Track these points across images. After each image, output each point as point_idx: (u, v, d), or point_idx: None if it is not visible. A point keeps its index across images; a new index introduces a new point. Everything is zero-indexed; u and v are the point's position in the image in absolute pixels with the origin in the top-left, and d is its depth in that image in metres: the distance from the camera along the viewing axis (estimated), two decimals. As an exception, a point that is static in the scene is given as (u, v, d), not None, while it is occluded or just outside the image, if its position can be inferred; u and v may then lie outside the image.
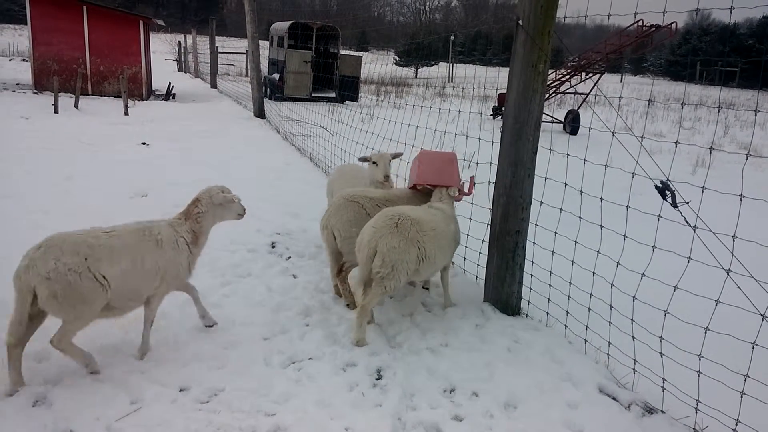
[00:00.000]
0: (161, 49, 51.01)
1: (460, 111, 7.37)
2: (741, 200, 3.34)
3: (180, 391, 3.63)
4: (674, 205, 3.58)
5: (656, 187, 3.64)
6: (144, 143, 11.94)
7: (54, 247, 3.43)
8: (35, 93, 18.40)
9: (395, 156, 5.61)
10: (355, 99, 22.65)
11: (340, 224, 4.83)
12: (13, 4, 65.67)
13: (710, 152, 4.38)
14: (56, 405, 3.40)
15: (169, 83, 22.10)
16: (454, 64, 49.03)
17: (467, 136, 6.39)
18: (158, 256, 3.85)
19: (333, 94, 22.51)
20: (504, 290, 4.88)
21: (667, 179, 3.65)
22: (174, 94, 21.26)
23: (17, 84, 20.61)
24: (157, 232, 3.92)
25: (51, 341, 3.53)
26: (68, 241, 3.49)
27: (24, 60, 32.53)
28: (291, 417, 3.42)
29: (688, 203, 3.52)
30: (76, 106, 15.95)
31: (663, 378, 3.74)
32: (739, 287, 3.32)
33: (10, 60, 33.88)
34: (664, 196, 3.62)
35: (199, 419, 3.36)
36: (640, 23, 15.44)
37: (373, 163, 5.48)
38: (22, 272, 3.38)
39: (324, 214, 5.05)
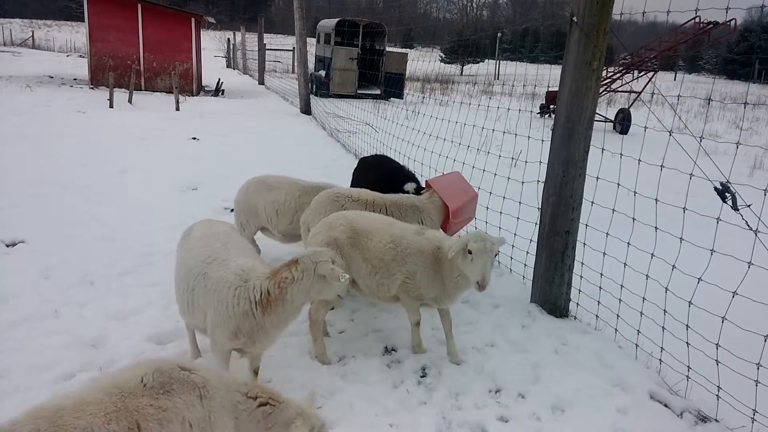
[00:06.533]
0: (210, 46, 51.98)
1: (509, 109, 7.28)
2: (807, 204, 3.20)
3: (228, 381, 3.69)
4: (735, 208, 3.46)
5: (716, 189, 3.53)
6: (194, 138, 12.20)
7: None
8: (91, 88, 19.00)
9: None
10: (400, 96, 22.64)
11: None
12: (71, 2, 67.91)
13: (773, 154, 4.21)
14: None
15: (219, 79, 22.54)
16: (501, 62, 48.49)
17: (516, 135, 6.31)
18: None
19: (378, 91, 22.56)
20: (552, 291, 4.80)
21: (728, 181, 3.53)
22: (223, 90, 21.66)
23: (74, 79, 21.35)
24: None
25: None
26: None
27: (81, 56, 33.74)
28: (337, 411, 3.44)
29: (749, 206, 3.39)
30: (129, 101, 16.40)
31: (718, 386, 3.62)
32: (803, 295, 3.19)
33: (68, 56, 35.16)
34: (724, 199, 3.50)
35: (247, 410, 3.40)
36: (696, 20, 14.97)
37: None
38: None
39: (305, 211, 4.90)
